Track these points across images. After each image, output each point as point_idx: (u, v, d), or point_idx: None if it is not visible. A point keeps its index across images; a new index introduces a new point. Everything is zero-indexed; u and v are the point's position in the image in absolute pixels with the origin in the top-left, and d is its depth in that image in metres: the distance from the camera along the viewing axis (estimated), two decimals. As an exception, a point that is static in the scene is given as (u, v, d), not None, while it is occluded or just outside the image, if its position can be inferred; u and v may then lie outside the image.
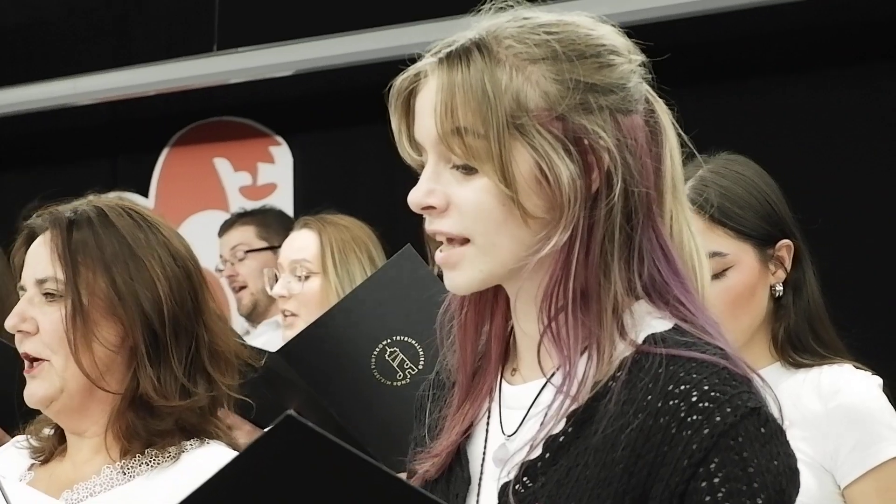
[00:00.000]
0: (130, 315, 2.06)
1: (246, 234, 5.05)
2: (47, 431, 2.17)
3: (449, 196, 1.53)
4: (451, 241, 1.54)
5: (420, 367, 2.78)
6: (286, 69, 5.62)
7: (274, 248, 4.57)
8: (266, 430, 1.19)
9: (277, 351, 2.89)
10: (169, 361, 2.06)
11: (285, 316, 3.61)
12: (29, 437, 2.18)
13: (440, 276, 1.62)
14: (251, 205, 5.60)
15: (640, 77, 1.57)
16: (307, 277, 3.53)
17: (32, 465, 2.15)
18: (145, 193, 6.21)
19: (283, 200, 5.86)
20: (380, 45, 5.23)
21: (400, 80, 1.57)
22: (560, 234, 1.50)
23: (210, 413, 2.12)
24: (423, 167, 1.57)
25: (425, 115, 1.54)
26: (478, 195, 1.51)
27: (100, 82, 5.99)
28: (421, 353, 2.78)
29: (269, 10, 5.68)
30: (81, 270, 2.06)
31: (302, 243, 3.59)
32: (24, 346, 2.08)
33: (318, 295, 3.50)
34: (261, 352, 2.81)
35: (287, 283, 3.56)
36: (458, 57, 1.52)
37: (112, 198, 2.23)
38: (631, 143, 1.52)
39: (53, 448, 2.15)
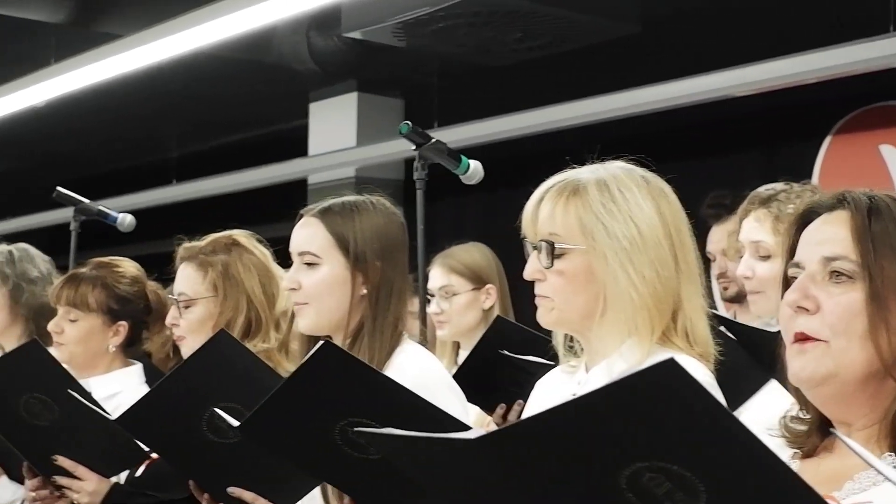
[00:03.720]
0: None
1: None
2: (801, 428, 2.10)
3: None
4: None
5: None
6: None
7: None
8: None
9: None
10: None
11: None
12: (786, 427, 2.12)
13: None
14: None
15: None
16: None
17: (794, 454, 2.09)
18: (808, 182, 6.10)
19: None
20: None
21: None
22: None
23: None
24: None
25: None
26: None
27: (758, 72, 5.92)
28: None
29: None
30: (877, 256, 1.98)
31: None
32: (799, 325, 2.02)
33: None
34: None
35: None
36: None
37: None
38: None
39: (817, 443, 2.08)
